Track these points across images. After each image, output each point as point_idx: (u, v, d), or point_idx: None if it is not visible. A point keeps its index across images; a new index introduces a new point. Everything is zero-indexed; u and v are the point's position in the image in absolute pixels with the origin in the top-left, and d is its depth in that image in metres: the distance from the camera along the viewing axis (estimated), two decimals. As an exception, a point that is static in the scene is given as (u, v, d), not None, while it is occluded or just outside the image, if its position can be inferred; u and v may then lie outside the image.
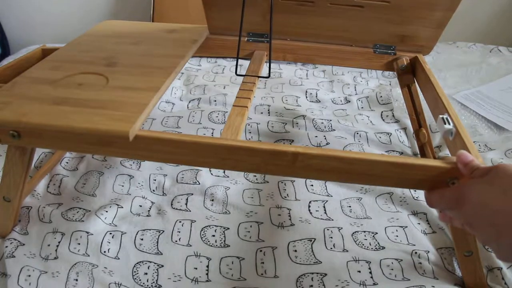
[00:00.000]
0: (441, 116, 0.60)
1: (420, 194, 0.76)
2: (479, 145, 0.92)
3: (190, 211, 0.73)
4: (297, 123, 0.97)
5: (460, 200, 0.42)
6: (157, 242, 0.67)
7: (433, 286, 0.60)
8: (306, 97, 1.10)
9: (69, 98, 0.57)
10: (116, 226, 0.70)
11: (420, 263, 0.64)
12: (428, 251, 0.66)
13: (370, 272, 0.62)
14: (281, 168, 0.53)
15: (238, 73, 0.72)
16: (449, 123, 0.58)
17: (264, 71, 0.72)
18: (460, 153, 0.47)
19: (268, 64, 0.74)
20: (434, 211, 0.73)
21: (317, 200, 0.75)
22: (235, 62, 0.73)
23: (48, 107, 0.55)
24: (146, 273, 0.62)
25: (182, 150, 0.53)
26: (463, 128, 0.57)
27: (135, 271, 0.63)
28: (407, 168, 0.50)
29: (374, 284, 0.61)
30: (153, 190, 0.78)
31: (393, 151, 0.89)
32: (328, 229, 0.69)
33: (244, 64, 1.24)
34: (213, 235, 0.68)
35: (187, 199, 0.75)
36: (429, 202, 0.48)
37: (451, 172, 0.49)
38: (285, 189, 0.77)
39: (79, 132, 0.52)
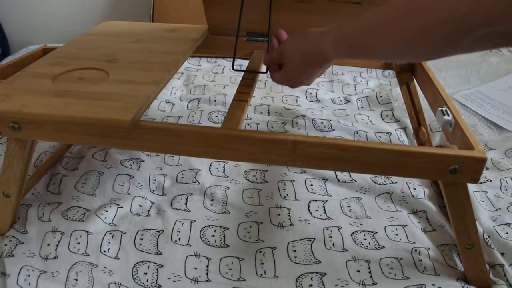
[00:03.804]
0: (440, 108, 0.60)
1: (420, 192, 0.76)
2: (479, 144, 0.92)
3: (189, 211, 0.73)
4: (297, 123, 0.97)
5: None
6: (157, 242, 0.67)
7: (434, 284, 0.60)
8: (306, 97, 1.10)
9: (69, 91, 0.58)
10: (116, 226, 0.70)
11: (421, 260, 0.64)
12: (429, 248, 0.66)
13: (370, 272, 0.62)
14: (281, 157, 0.53)
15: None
16: (448, 115, 0.58)
17: (263, 70, 0.72)
18: (280, 31, 0.67)
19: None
20: (434, 209, 0.73)
21: (316, 200, 0.75)
22: (234, 61, 0.73)
23: (49, 99, 0.56)
24: (146, 273, 0.62)
25: (182, 139, 0.54)
26: (462, 119, 0.57)
27: (135, 271, 0.63)
28: (407, 156, 0.50)
29: (374, 283, 0.61)
30: (153, 190, 0.78)
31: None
32: (327, 229, 0.69)
33: (244, 64, 1.24)
34: (213, 235, 0.68)
35: (186, 199, 0.75)
36: (266, 62, 0.64)
37: (450, 159, 0.50)
38: (284, 189, 0.77)
39: (80, 122, 0.52)
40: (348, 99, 1.10)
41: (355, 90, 1.14)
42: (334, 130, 0.94)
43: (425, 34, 0.38)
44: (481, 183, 0.80)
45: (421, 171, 0.51)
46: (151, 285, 0.61)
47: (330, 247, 0.66)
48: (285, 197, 0.76)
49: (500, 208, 0.74)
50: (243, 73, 0.72)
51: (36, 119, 0.54)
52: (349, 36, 0.47)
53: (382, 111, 1.04)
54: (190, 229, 0.69)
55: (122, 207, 0.73)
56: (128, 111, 0.52)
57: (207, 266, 0.63)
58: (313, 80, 0.61)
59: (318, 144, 0.51)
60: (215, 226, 0.70)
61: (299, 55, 0.56)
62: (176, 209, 0.73)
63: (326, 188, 0.78)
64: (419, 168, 0.51)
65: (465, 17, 0.35)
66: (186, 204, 0.74)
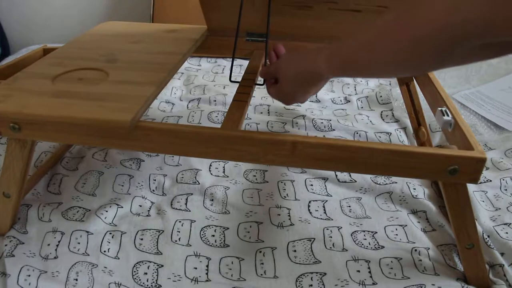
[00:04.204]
0: (439, 108, 0.60)
1: (419, 192, 0.76)
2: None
3: (189, 211, 0.73)
4: (297, 123, 0.97)
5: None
6: (157, 242, 0.67)
7: (433, 284, 0.60)
8: (306, 97, 1.10)
9: (69, 92, 0.58)
10: (116, 226, 0.70)
11: (420, 260, 0.64)
12: (428, 248, 0.66)
13: (370, 272, 0.62)
14: (281, 158, 0.53)
15: (232, 79, 0.73)
16: (447, 115, 0.59)
17: (260, 81, 0.73)
18: (279, 46, 0.67)
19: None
20: (433, 209, 0.73)
21: (316, 200, 0.75)
22: (232, 65, 0.73)
23: (49, 100, 0.56)
24: (146, 273, 0.62)
25: (182, 140, 0.54)
26: (462, 119, 0.57)
27: (135, 271, 0.63)
28: (406, 156, 0.50)
29: (374, 283, 0.61)
30: (153, 190, 0.78)
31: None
32: (327, 229, 0.69)
33: (244, 63, 1.25)
34: (213, 235, 0.68)
35: (186, 199, 0.75)
36: (262, 74, 0.67)
37: (450, 160, 0.50)
38: (284, 189, 0.77)
39: (80, 122, 0.52)
40: (348, 99, 1.10)
41: (355, 90, 1.14)
42: (334, 130, 0.94)
43: (416, 47, 0.38)
44: (481, 183, 0.81)
45: (421, 171, 0.51)
46: (151, 285, 0.61)
47: (330, 247, 0.66)
48: (285, 197, 0.76)
49: (500, 208, 0.74)
50: (243, 78, 0.72)
51: (36, 120, 0.54)
52: (343, 53, 0.48)
53: (382, 111, 1.04)
54: (190, 229, 0.69)
55: (122, 207, 0.73)
56: (128, 112, 0.52)
57: (207, 266, 0.64)
58: (308, 98, 0.62)
59: (317, 144, 0.51)
60: (215, 226, 0.70)
61: (294, 73, 0.57)
62: (176, 209, 0.73)
63: (326, 188, 0.78)
64: (418, 169, 0.51)
65: (458, 28, 0.34)
66: (186, 204, 0.74)
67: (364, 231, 0.69)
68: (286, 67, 0.59)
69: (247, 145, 0.53)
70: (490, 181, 0.81)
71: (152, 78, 0.62)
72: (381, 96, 1.09)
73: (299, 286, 0.61)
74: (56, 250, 0.65)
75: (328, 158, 0.52)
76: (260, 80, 0.72)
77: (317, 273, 0.62)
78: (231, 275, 0.62)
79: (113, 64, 0.67)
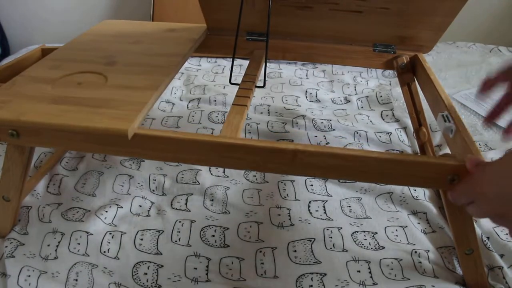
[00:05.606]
0: (441, 113, 0.60)
1: (420, 193, 0.76)
2: (479, 144, 0.92)
3: (189, 211, 0.73)
4: (297, 123, 0.96)
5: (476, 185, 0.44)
6: (157, 242, 0.67)
7: (433, 286, 0.60)
8: (306, 97, 1.10)
9: (68, 97, 0.57)
10: (116, 226, 0.70)
11: (420, 262, 0.64)
12: (428, 250, 0.66)
13: (370, 272, 0.62)
14: (281, 166, 0.53)
15: (232, 80, 0.72)
16: (449, 121, 0.58)
17: (262, 75, 0.72)
18: (469, 157, 0.48)
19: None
20: (434, 211, 0.73)
21: (316, 200, 0.75)
22: (232, 66, 0.73)
23: (47, 106, 0.55)
24: (145, 273, 0.62)
25: (181, 148, 0.53)
26: (464, 125, 0.57)
27: (134, 271, 0.63)
28: (407, 165, 0.50)
29: (374, 284, 0.61)
30: (153, 190, 0.78)
31: (393, 150, 0.89)
32: (327, 229, 0.69)
33: (244, 63, 1.24)
34: (213, 235, 0.68)
35: (186, 199, 0.75)
36: (453, 198, 0.49)
37: (451, 169, 0.49)
38: (285, 189, 0.77)
39: (78, 131, 0.52)
40: (348, 99, 1.10)
41: (355, 90, 1.14)
42: (334, 130, 0.94)
43: None
44: (481, 183, 0.80)
45: (421, 179, 0.51)
46: (151, 285, 0.61)
47: (330, 248, 0.66)
48: (285, 197, 0.76)
49: (500, 208, 0.74)
50: (243, 75, 0.71)
51: (34, 127, 0.54)
52: None
53: (382, 111, 1.04)
54: (190, 229, 0.69)
55: (122, 207, 0.73)
56: (127, 120, 0.52)
57: (207, 266, 0.64)
58: None
59: (318, 153, 0.51)
60: (215, 226, 0.70)
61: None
62: (176, 209, 0.73)
63: (326, 188, 0.78)
64: (419, 177, 0.50)
65: None
66: (186, 204, 0.74)
67: (364, 231, 0.69)
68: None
69: (247, 153, 0.52)
70: (490, 181, 0.80)
71: (151, 82, 0.61)
72: (381, 96, 1.09)
73: (299, 286, 0.61)
74: (56, 250, 0.65)
75: (329, 166, 0.51)
76: (260, 82, 0.71)
77: (317, 273, 0.62)
78: (231, 275, 0.62)
79: (112, 66, 0.66)
